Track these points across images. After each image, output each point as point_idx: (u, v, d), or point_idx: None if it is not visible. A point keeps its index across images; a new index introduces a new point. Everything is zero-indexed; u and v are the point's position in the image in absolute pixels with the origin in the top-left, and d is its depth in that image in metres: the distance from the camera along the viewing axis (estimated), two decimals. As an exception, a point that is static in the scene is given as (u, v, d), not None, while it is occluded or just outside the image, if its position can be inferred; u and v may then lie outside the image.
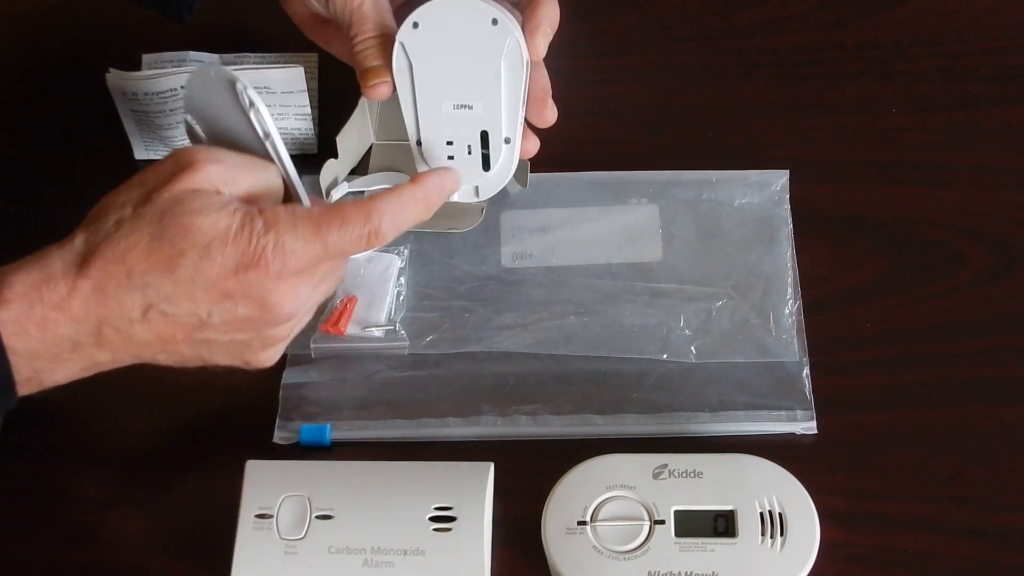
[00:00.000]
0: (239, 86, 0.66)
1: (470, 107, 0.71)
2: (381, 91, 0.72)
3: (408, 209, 0.68)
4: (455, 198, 0.76)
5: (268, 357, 0.70)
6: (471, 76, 0.71)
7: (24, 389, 0.65)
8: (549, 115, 0.75)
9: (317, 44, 0.81)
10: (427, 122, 0.73)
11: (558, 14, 0.72)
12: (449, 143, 0.73)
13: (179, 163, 0.65)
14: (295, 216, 0.65)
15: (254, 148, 0.68)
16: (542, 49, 0.72)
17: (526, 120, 0.75)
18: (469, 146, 0.73)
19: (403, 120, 0.73)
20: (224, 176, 0.66)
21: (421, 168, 0.75)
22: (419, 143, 0.74)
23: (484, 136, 0.73)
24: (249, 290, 0.64)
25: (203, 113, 0.69)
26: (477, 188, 0.76)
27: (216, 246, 0.63)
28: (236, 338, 0.67)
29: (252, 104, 0.66)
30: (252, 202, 0.66)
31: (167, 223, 0.63)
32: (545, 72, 0.75)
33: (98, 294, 0.63)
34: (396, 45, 0.70)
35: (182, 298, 0.64)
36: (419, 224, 0.82)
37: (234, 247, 0.64)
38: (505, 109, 0.72)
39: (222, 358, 0.69)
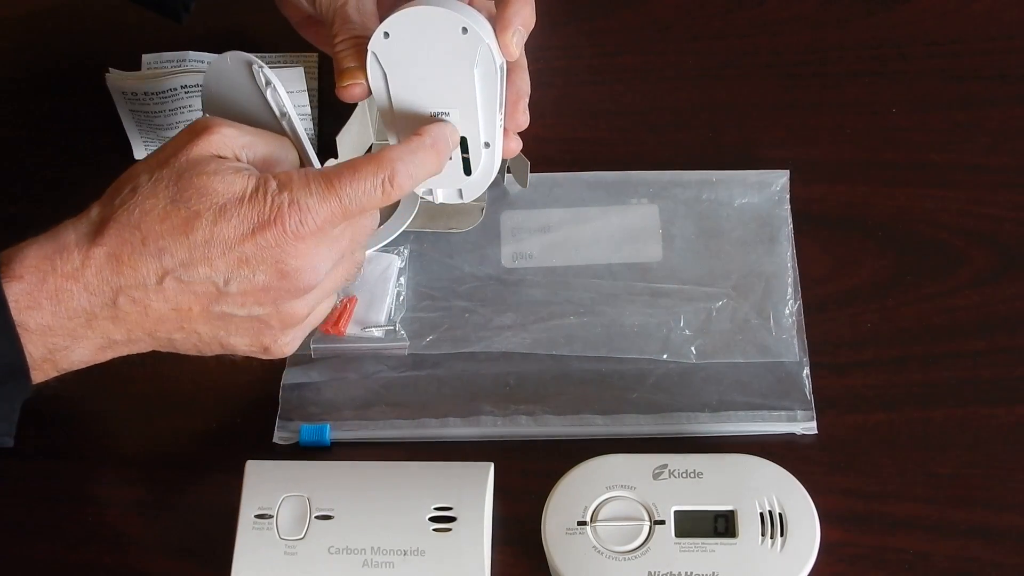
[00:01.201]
0: (255, 66, 0.66)
1: (447, 114, 0.71)
2: (355, 92, 0.71)
3: (419, 156, 0.68)
4: (439, 199, 0.76)
5: (286, 343, 0.70)
6: (445, 84, 0.70)
7: (39, 374, 0.65)
8: (521, 120, 0.74)
9: (311, 43, 0.81)
10: (405, 129, 0.72)
11: (531, 12, 0.71)
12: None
13: (196, 129, 0.66)
14: (308, 175, 0.65)
15: (273, 130, 0.69)
16: (514, 50, 0.70)
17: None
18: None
19: (401, 120, 0.73)
20: (241, 140, 0.66)
21: None
22: None
23: (464, 142, 0.73)
24: (267, 253, 0.64)
25: (221, 105, 0.69)
26: (460, 191, 0.75)
27: (231, 207, 0.63)
28: (254, 312, 0.66)
29: (269, 83, 0.67)
30: (267, 168, 0.67)
31: (183, 185, 0.63)
32: (525, 76, 0.74)
33: (112, 261, 0.63)
34: (369, 54, 0.69)
35: (198, 263, 0.64)
36: (419, 224, 0.83)
37: (250, 207, 0.64)
38: (482, 116, 0.71)
39: (240, 339, 0.68)
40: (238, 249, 0.64)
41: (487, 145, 0.73)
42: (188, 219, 0.63)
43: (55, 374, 0.66)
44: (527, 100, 0.74)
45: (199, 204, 0.63)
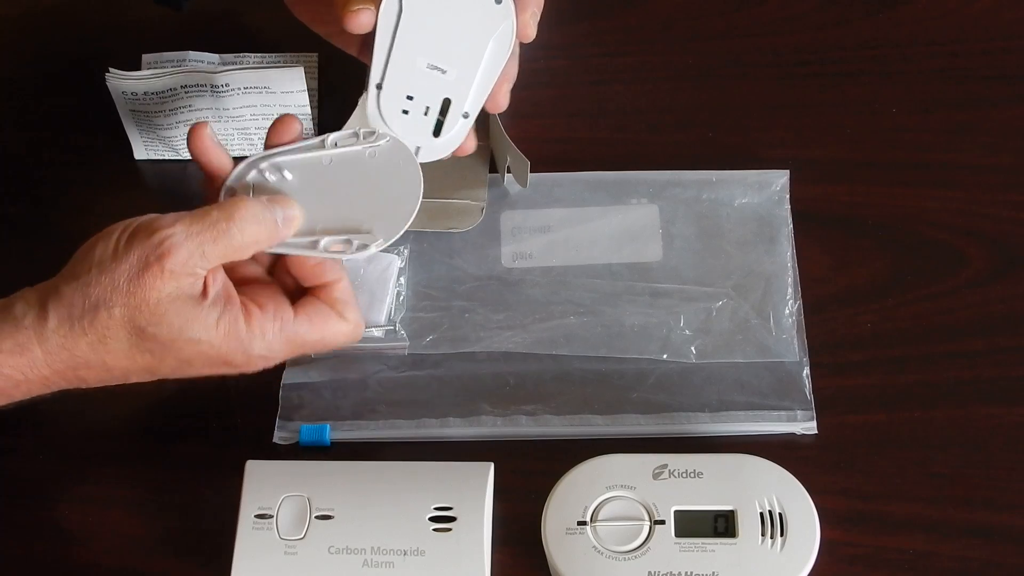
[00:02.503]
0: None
1: (443, 71, 0.71)
2: (363, 18, 0.70)
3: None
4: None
5: (253, 368, 0.71)
6: (456, 43, 0.70)
7: None
8: (502, 100, 0.74)
9: (304, 22, 0.81)
10: (395, 71, 0.72)
11: None
12: (409, 98, 0.72)
13: (146, 258, 0.65)
14: (284, 330, 0.68)
15: None
16: (532, 30, 0.72)
17: (498, 118, 0.74)
18: (427, 107, 0.73)
19: (394, 66, 0.72)
20: (194, 256, 0.65)
21: (371, 112, 0.73)
22: (379, 87, 0.73)
23: (446, 104, 0.72)
24: (231, 360, 0.68)
25: None
26: (418, 149, 0.74)
27: (197, 359, 0.67)
28: (216, 371, 0.69)
29: None
30: (227, 270, 0.68)
31: (147, 338, 0.66)
32: (516, 62, 0.75)
33: (79, 379, 0.67)
34: None
35: (158, 377, 0.69)
36: (419, 224, 0.83)
37: (216, 355, 0.67)
38: (476, 86, 0.72)
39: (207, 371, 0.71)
40: (193, 373, 0.68)
41: (465, 116, 0.73)
42: (154, 362, 0.67)
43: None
44: (511, 85, 0.75)
45: (166, 354, 0.66)
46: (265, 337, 0.68)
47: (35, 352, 0.64)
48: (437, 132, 0.73)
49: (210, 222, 0.65)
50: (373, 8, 0.70)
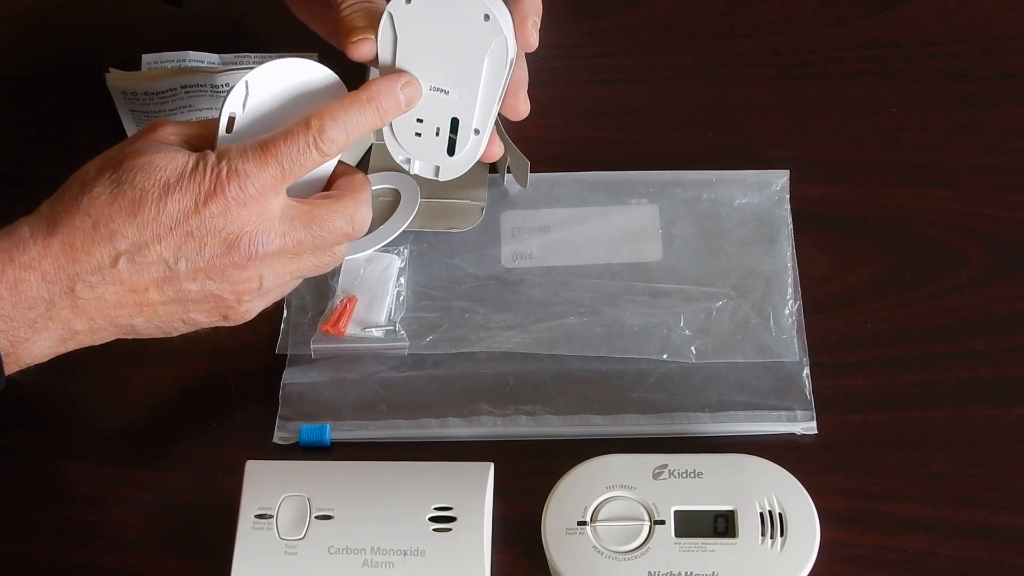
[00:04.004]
0: None
1: (446, 92, 0.72)
2: (364, 48, 0.71)
3: (353, 111, 0.69)
4: (415, 170, 0.75)
5: (246, 311, 0.71)
6: (453, 63, 0.71)
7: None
8: (522, 108, 0.75)
9: (303, 20, 0.81)
10: None
11: (539, 2, 0.73)
12: (419, 120, 0.73)
13: (142, 130, 0.69)
14: (245, 145, 0.67)
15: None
16: (534, 39, 0.72)
17: (499, 118, 0.75)
18: (438, 128, 0.73)
19: None
20: (187, 132, 0.68)
21: (387, 137, 0.74)
22: None
23: (455, 122, 0.73)
24: (211, 224, 0.66)
25: None
26: (438, 168, 0.75)
27: (174, 183, 0.65)
28: (207, 287, 0.68)
29: None
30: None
31: (127, 167, 0.65)
32: (524, 66, 0.75)
33: (67, 249, 0.65)
34: (385, 15, 0.70)
35: (149, 242, 0.66)
36: (419, 224, 0.83)
37: (191, 180, 0.65)
38: (480, 102, 0.72)
39: (199, 314, 0.70)
40: (184, 224, 0.66)
41: (477, 132, 0.73)
42: (135, 200, 0.65)
43: (17, 369, 0.67)
44: (526, 89, 0.75)
45: (144, 183, 0.65)
46: (234, 151, 0.67)
47: (24, 230, 0.65)
48: (451, 150, 0.74)
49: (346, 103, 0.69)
50: (372, 38, 0.71)
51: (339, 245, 0.72)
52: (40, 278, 0.65)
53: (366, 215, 0.71)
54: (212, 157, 0.66)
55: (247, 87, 0.69)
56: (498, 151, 0.76)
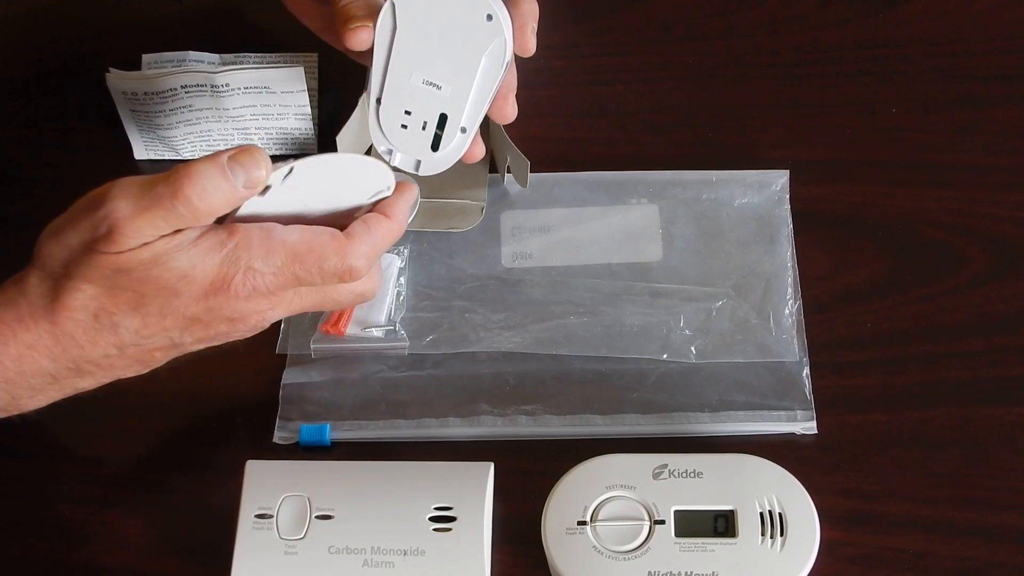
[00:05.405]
0: None
1: (438, 87, 0.72)
2: (362, 36, 0.71)
3: (384, 242, 0.68)
4: (395, 162, 0.75)
5: (253, 334, 0.69)
6: (450, 59, 0.71)
7: (2, 413, 0.66)
8: (509, 112, 0.75)
9: (295, 15, 0.81)
10: (392, 86, 0.72)
11: (537, 7, 0.73)
12: (407, 112, 0.73)
13: (95, 225, 0.62)
14: (270, 240, 0.64)
15: None
16: (532, 46, 0.73)
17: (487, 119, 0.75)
18: (425, 122, 0.73)
19: (391, 82, 0.73)
20: (144, 231, 0.61)
21: (372, 126, 0.73)
22: (378, 101, 0.73)
23: (443, 118, 0.73)
24: (218, 312, 0.65)
25: None
26: (419, 163, 0.75)
27: (183, 285, 0.63)
28: (213, 343, 0.68)
29: None
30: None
31: (119, 273, 0.62)
32: (515, 70, 0.75)
33: (69, 339, 0.64)
34: (387, 4, 0.70)
35: (154, 331, 0.65)
36: (419, 224, 0.83)
37: (203, 277, 0.63)
38: (471, 101, 0.72)
39: (206, 347, 0.69)
40: (190, 313, 0.64)
41: (463, 130, 0.73)
42: (136, 298, 0.63)
43: (16, 413, 0.67)
44: (514, 94, 0.75)
45: (144, 288, 0.63)
46: (251, 243, 0.63)
47: (20, 305, 0.63)
48: (436, 146, 0.74)
49: (155, 196, 0.60)
50: (371, 26, 0.71)
51: (338, 285, 0.69)
52: (45, 356, 0.64)
53: (358, 263, 0.67)
54: (230, 246, 0.63)
55: (291, 171, 0.65)
56: (479, 152, 0.75)
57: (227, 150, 0.62)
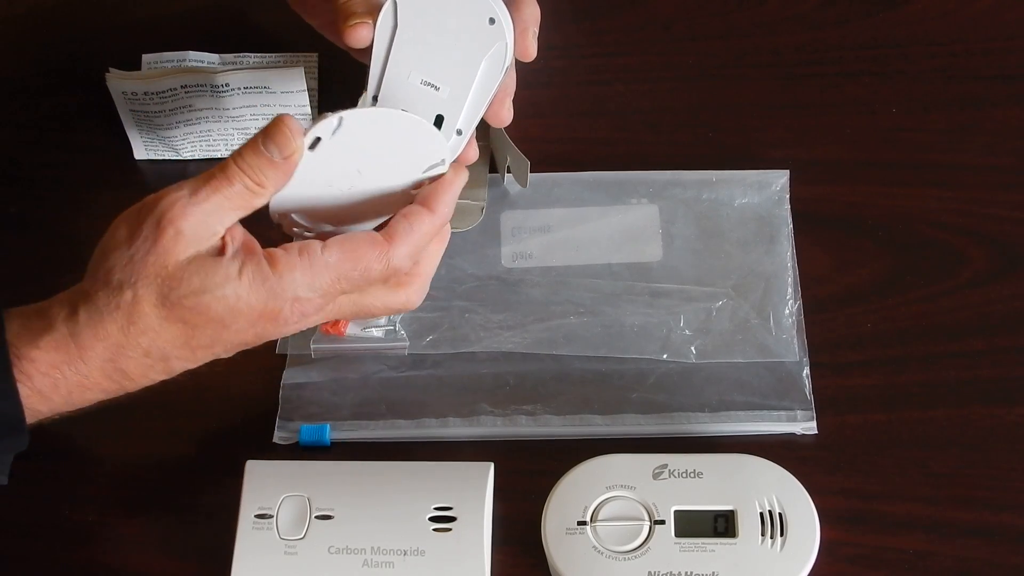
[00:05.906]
0: None
1: (436, 88, 0.71)
2: (361, 32, 0.71)
3: (426, 239, 0.67)
4: None
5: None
6: (449, 61, 0.70)
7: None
8: (505, 115, 0.75)
9: (297, 11, 0.81)
10: (390, 85, 0.72)
11: (539, 11, 0.73)
12: (403, 111, 0.73)
13: (157, 219, 0.63)
14: (313, 267, 0.64)
15: None
16: (532, 50, 0.73)
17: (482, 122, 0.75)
18: None
19: (389, 80, 0.72)
20: (211, 217, 0.64)
21: None
22: (375, 99, 0.73)
23: (439, 119, 0.73)
24: (266, 336, 0.66)
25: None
26: None
27: (230, 318, 0.64)
28: (263, 331, 0.67)
29: None
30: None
31: (172, 305, 0.63)
32: (514, 74, 0.75)
33: (121, 372, 0.64)
34: (388, 2, 0.70)
35: (203, 356, 0.66)
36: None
37: (249, 309, 0.64)
38: (469, 104, 0.72)
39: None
40: (239, 340, 0.65)
41: (459, 132, 0.73)
42: (186, 331, 0.64)
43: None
44: (512, 98, 0.75)
45: (195, 320, 0.63)
46: (295, 274, 0.64)
47: (71, 348, 0.63)
48: None
49: (206, 178, 0.63)
50: (371, 23, 0.71)
51: (382, 293, 0.69)
52: (95, 388, 0.65)
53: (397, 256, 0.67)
54: (272, 281, 0.63)
55: (341, 122, 0.67)
56: (473, 155, 0.75)
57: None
